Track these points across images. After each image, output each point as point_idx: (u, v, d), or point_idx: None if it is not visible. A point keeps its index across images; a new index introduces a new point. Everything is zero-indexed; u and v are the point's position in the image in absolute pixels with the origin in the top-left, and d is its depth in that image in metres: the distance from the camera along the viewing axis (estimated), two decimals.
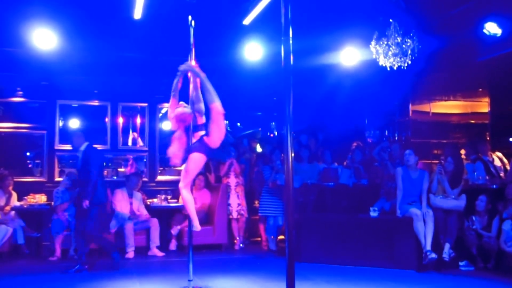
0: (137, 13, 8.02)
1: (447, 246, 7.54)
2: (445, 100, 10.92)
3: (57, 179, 9.86)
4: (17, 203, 8.89)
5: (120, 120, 10.45)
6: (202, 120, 5.80)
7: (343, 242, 7.97)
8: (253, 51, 9.60)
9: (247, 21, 8.56)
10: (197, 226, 5.80)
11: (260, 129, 13.30)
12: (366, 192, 9.00)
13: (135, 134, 10.71)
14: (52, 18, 8.27)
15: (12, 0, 7.73)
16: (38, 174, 10.09)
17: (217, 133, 5.52)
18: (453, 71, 10.15)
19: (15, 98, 9.93)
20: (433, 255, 7.29)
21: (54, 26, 8.46)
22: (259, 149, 12.68)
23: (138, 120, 10.69)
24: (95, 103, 10.37)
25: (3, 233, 8.29)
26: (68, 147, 10.15)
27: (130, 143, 10.68)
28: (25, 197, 8.98)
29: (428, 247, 7.36)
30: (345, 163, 9.77)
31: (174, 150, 5.68)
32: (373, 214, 8.01)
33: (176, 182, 10.07)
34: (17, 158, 10.29)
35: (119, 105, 10.42)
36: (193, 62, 5.84)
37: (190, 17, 5.87)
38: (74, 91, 10.07)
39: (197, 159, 5.63)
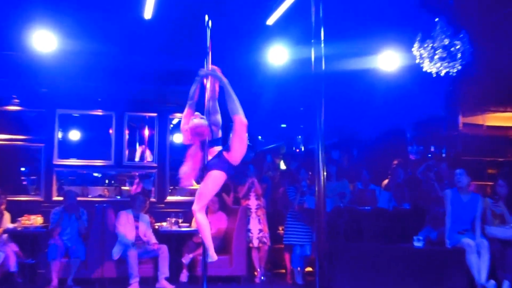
0: (147, 12, 8.07)
1: (506, 283, 7.37)
2: (502, 112, 10.76)
3: (55, 198, 9.93)
4: (10, 225, 8.94)
5: (126, 132, 10.49)
6: (218, 134, 5.77)
7: (382, 276, 7.86)
8: (277, 55, 9.59)
9: (271, 21, 8.56)
10: (212, 256, 5.72)
11: (284, 143, 13.29)
12: (408, 218, 8.90)
13: (143, 147, 10.72)
14: (52, 18, 8.35)
15: None
16: (33, 193, 10.15)
17: (240, 147, 5.48)
18: (511, 77, 10.01)
19: (9, 106, 10.05)
20: (492, 283, 7.14)
21: (53, 27, 8.55)
22: (283, 166, 12.65)
23: (146, 132, 10.72)
24: (99, 112, 10.45)
25: None
26: (68, 162, 10.28)
27: (137, 158, 10.70)
28: (19, 219, 9.02)
29: (483, 281, 7.22)
30: (384, 184, 9.68)
31: (186, 170, 5.62)
32: (418, 244, 7.89)
33: (189, 203, 10.16)
34: (11, 174, 10.36)
35: (125, 115, 10.48)
36: (214, 67, 5.81)
37: (206, 17, 5.88)
38: (76, 99, 10.15)
39: (217, 178, 5.56)
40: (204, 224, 5.64)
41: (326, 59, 5.24)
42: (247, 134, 5.48)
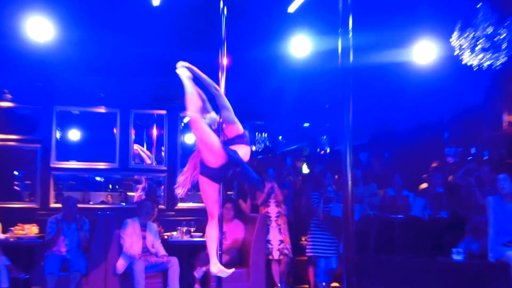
0: None
1: None
2: None
3: (53, 205, 9.89)
4: (2, 236, 8.88)
5: (132, 132, 10.44)
6: (236, 130, 5.75)
7: None
8: (299, 46, 9.57)
9: (292, 8, 8.55)
10: (212, 269, 5.72)
11: (307, 144, 13.26)
12: (446, 228, 8.84)
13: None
14: (49, 3, 8.35)
15: None
16: (28, 199, 10.16)
17: (203, 147, 5.49)
18: None
19: (1, 102, 9.99)
20: None
21: (50, 13, 8.53)
22: (305, 169, 12.64)
23: (155, 132, 10.71)
24: (102, 110, 10.40)
25: None
26: (67, 165, 10.27)
27: (148, 160, 10.69)
28: (12, 228, 8.96)
29: None
30: (420, 188, 9.63)
31: (181, 176, 5.66)
32: (457, 257, 7.85)
33: (202, 211, 10.13)
34: (3, 178, 10.37)
35: (131, 113, 10.41)
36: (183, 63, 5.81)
37: (221, 3, 5.89)
38: (76, 95, 10.10)
39: (201, 184, 5.61)
40: (208, 234, 5.70)
41: (355, 50, 5.20)
42: (203, 130, 5.44)
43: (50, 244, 8.71)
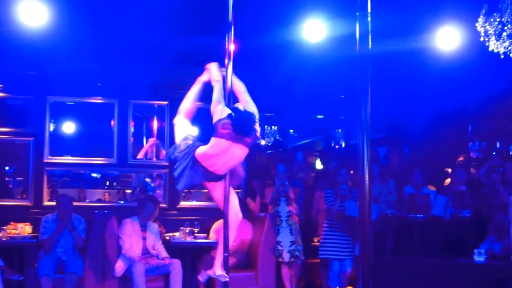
0: None
1: None
2: None
3: (47, 203, 9.90)
4: None
5: (131, 124, 10.45)
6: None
7: None
8: (313, 31, 9.53)
9: None
10: (209, 271, 5.82)
11: (321, 138, 13.24)
12: (468, 227, 8.87)
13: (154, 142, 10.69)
14: None
15: None
16: (20, 196, 10.20)
17: None
18: None
19: None
20: None
21: None
22: (319, 165, 12.64)
23: (155, 124, 10.68)
24: (98, 100, 10.40)
25: None
26: (62, 160, 10.27)
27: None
28: (4, 227, 8.96)
29: None
30: (445, 183, 9.62)
31: None
32: (479, 258, 7.90)
33: (206, 210, 10.18)
34: None
35: (130, 104, 10.41)
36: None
37: None
38: (70, 84, 10.08)
39: None
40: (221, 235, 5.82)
41: (373, 36, 5.17)
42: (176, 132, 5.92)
43: (46, 246, 8.72)
